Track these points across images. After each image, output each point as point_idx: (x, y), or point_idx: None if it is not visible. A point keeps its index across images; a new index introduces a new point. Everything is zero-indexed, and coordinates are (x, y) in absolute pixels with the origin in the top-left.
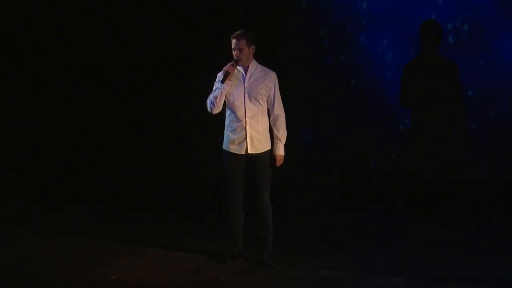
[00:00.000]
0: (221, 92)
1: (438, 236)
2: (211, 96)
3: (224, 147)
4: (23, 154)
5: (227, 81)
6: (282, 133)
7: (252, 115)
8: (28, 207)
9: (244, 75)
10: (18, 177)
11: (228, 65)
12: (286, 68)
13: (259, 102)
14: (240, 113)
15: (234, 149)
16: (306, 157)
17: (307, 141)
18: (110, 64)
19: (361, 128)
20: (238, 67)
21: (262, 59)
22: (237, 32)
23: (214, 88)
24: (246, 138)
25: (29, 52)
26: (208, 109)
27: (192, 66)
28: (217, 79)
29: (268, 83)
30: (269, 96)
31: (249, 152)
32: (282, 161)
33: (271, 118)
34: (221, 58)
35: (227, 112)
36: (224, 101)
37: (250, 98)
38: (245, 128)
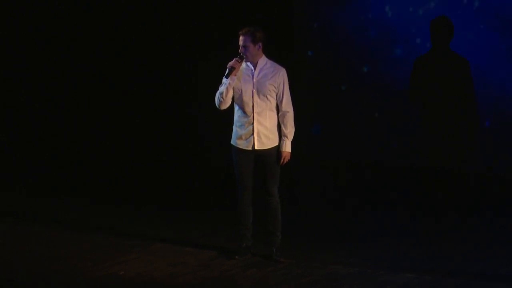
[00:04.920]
0: (227, 88)
1: (446, 231)
2: (218, 92)
3: (232, 142)
4: (30, 148)
5: (232, 76)
6: (289, 130)
7: (260, 110)
8: (35, 202)
9: (253, 70)
10: (26, 171)
11: (233, 60)
12: (297, 64)
13: (267, 98)
14: (248, 109)
15: (242, 144)
16: (315, 151)
17: (316, 135)
18: (118, 60)
19: (368, 122)
20: (247, 62)
21: (273, 55)
22: (244, 29)
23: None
24: (253, 134)
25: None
26: (216, 104)
27: (200, 61)
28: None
29: (277, 79)
30: (278, 92)
31: (256, 148)
32: (288, 158)
33: (279, 114)
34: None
35: (236, 108)
36: (233, 96)
37: (258, 94)
38: (253, 123)
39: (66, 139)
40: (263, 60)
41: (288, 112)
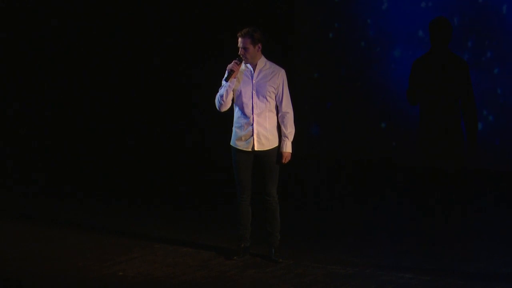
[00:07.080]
0: (227, 90)
1: (446, 231)
2: (218, 94)
3: (231, 143)
4: (31, 148)
5: (231, 79)
6: (289, 130)
7: (259, 112)
8: (35, 201)
9: (253, 72)
10: (27, 170)
11: (232, 63)
12: (297, 64)
13: (267, 99)
14: (248, 110)
15: (241, 145)
16: (315, 151)
17: (315, 135)
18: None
19: (368, 123)
20: (246, 64)
21: (273, 55)
22: (242, 30)
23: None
24: (253, 135)
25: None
26: (217, 107)
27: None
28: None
29: (276, 80)
30: (278, 93)
31: (256, 149)
32: (289, 158)
33: (279, 115)
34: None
35: (235, 109)
36: (233, 97)
37: (258, 95)
38: (252, 125)
39: (67, 139)
40: (262, 61)
41: (288, 113)
